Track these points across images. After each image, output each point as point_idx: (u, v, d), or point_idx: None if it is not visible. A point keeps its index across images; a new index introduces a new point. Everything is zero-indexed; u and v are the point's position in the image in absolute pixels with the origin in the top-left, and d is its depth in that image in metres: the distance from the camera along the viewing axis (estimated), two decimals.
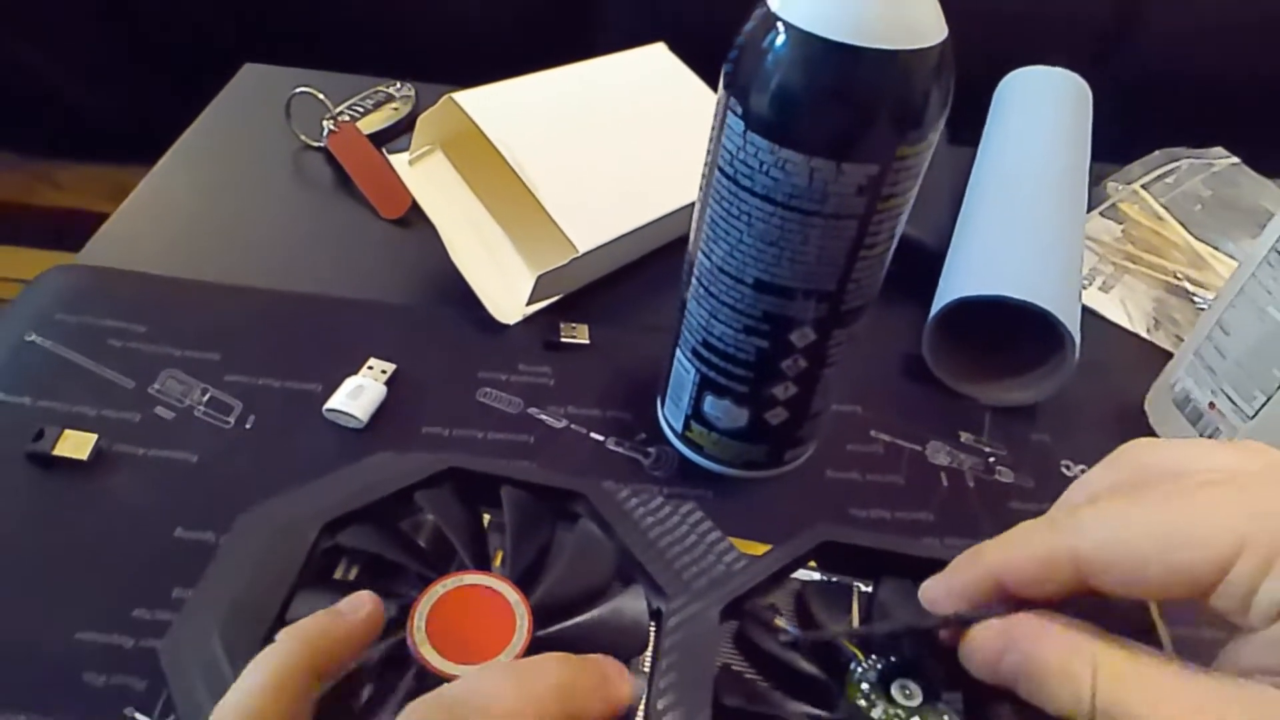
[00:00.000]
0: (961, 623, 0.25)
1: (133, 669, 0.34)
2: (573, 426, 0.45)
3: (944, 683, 0.29)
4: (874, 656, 0.30)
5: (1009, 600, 0.25)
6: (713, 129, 0.34)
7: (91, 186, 1.14)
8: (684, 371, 0.40)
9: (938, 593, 0.26)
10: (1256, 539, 0.20)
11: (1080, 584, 0.23)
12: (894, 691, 0.29)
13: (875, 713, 0.28)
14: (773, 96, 0.31)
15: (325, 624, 0.24)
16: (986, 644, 0.24)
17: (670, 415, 0.43)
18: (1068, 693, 0.22)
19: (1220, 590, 0.21)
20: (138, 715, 0.33)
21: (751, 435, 0.40)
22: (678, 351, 0.41)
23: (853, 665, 0.29)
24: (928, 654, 0.29)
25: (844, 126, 0.31)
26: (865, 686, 0.29)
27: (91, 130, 1.11)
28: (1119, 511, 0.23)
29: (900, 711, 0.28)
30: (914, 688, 0.29)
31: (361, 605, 0.26)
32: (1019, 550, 0.24)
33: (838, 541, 0.34)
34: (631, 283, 0.54)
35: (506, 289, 0.51)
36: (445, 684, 0.23)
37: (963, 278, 0.48)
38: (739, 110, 0.32)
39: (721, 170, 0.34)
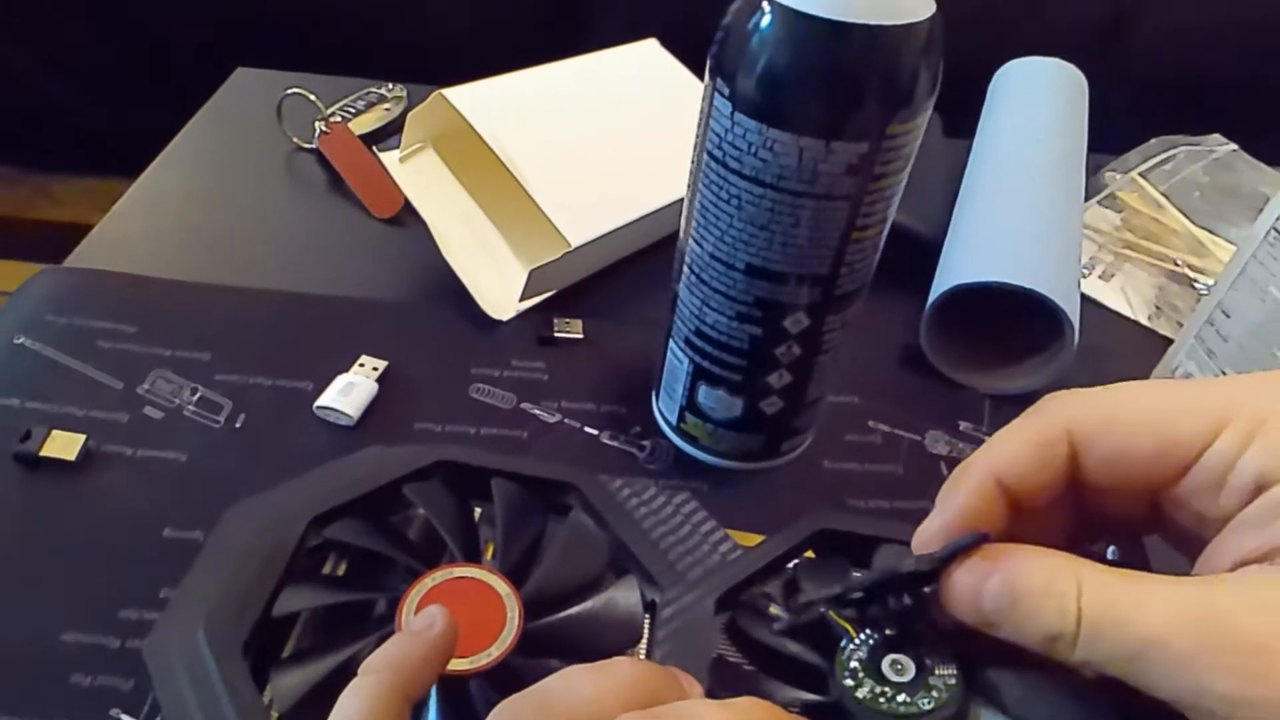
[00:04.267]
0: (941, 563, 0.25)
1: (118, 669, 0.33)
2: (566, 421, 0.44)
3: (938, 649, 0.28)
4: (866, 632, 0.29)
5: (1004, 513, 0.24)
6: (700, 113, 0.34)
7: (89, 200, 1.14)
8: (677, 362, 0.40)
9: (930, 531, 0.25)
10: (1244, 408, 0.21)
11: (1072, 474, 0.23)
12: (885, 668, 0.28)
13: (861, 692, 0.27)
14: (759, 76, 0.30)
15: (406, 646, 0.24)
16: (968, 576, 0.23)
17: (665, 408, 0.43)
18: (1053, 609, 0.21)
19: (1200, 464, 0.21)
20: (123, 716, 0.32)
21: (747, 425, 0.40)
22: (671, 342, 0.40)
23: (843, 643, 0.29)
24: (918, 616, 0.28)
25: (832, 104, 0.30)
26: (854, 665, 0.28)
27: (89, 143, 1.11)
28: (1109, 388, 0.23)
29: (888, 689, 0.27)
30: (905, 662, 0.28)
31: (435, 620, 0.26)
32: (1010, 440, 0.24)
33: (834, 530, 0.34)
34: (626, 278, 0.53)
35: (499, 285, 0.50)
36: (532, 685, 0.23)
37: (960, 265, 0.48)
38: (726, 92, 0.32)
39: (710, 154, 0.33)
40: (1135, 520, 0.25)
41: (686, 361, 0.39)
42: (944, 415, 0.47)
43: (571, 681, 0.22)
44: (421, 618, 0.26)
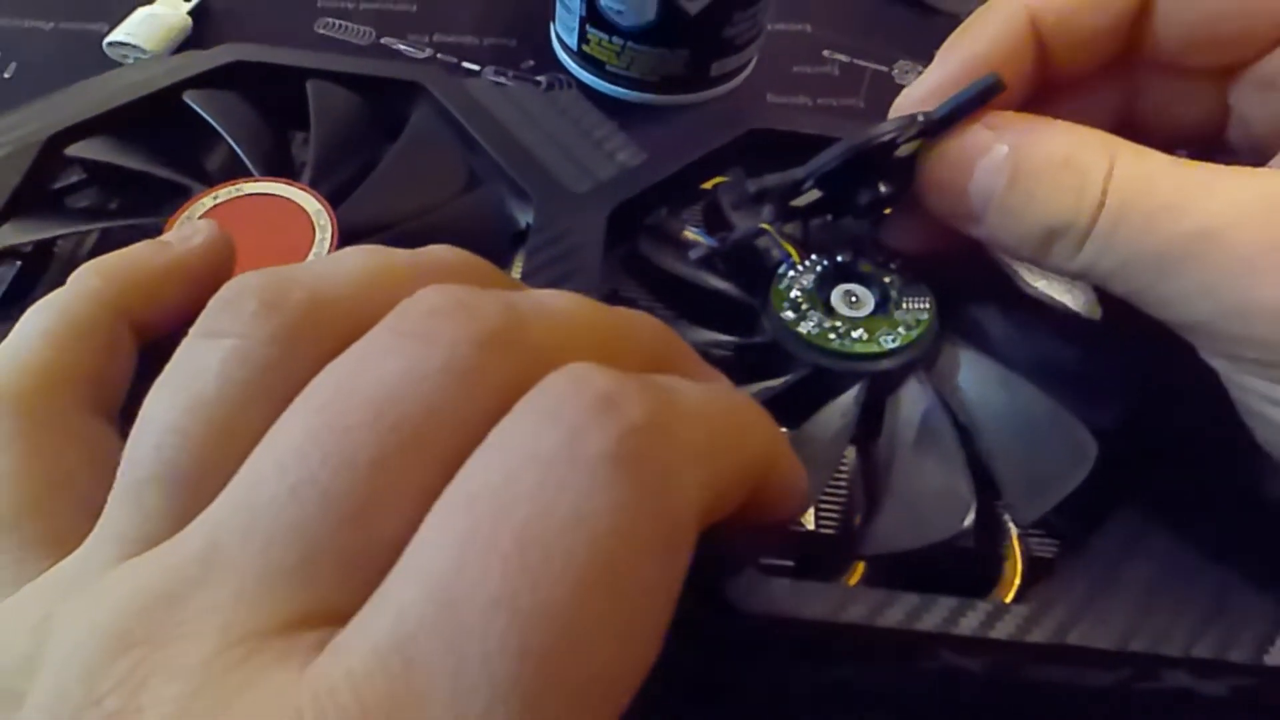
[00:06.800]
0: (935, 124, 0.17)
1: None
2: (440, 56, 0.35)
3: (906, 277, 0.21)
4: (814, 257, 0.21)
5: (1032, 77, 0.18)
6: None
7: None
8: None
9: (924, 88, 0.18)
10: None
11: (1135, 36, 0.17)
12: (835, 300, 0.21)
13: (805, 327, 0.20)
14: None
15: (138, 255, 0.17)
16: (963, 146, 0.17)
17: (563, 29, 0.33)
18: (1068, 187, 0.16)
19: None
20: None
21: (664, 33, 0.31)
22: None
23: (781, 269, 0.21)
24: (895, 215, 0.21)
25: None
26: (795, 295, 0.21)
27: None
28: None
29: (839, 324, 0.20)
30: (862, 293, 0.21)
31: (195, 233, 0.17)
32: None
33: (772, 130, 0.25)
34: None
35: None
36: None
37: None
38: None
39: None
40: (1195, 122, 0.19)
41: None
42: (917, 44, 0.37)
43: (343, 257, 0.14)
44: (177, 230, 0.18)
